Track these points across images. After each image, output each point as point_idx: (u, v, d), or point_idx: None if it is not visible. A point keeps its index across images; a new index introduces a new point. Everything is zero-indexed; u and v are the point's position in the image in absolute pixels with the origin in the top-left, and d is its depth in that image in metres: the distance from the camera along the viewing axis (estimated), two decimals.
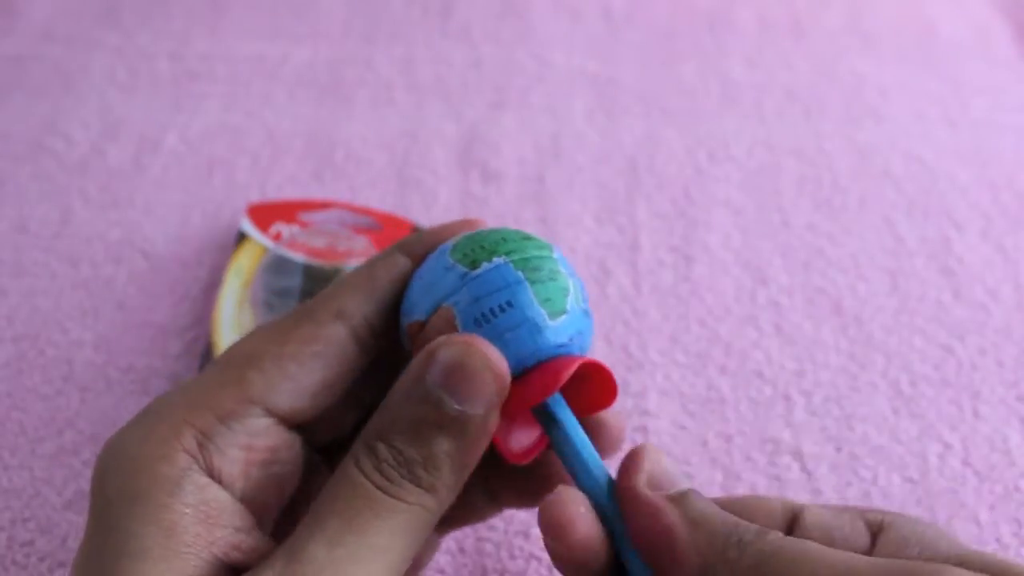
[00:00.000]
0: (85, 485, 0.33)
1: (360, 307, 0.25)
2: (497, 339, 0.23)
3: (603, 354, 0.38)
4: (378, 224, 0.42)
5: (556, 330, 0.23)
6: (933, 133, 0.49)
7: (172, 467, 0.21)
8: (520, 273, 0.23)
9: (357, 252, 0.40)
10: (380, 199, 0.44)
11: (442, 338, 0.22)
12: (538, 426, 0.25)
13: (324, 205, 0.43)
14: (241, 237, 0.41)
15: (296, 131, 0.48)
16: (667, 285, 0.41)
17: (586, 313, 0.25)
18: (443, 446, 0.22)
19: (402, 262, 0.26)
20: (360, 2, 0.57)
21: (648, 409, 0.36)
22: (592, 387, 0.24)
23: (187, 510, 0.21)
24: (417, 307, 0.24)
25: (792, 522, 0.23)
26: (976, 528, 0.32)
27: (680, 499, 0.22)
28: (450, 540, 0.32)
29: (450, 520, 0.28)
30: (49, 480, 0.33)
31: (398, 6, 0.57)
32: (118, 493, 0.21)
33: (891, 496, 0.33)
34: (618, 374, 0.37)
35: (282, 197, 0.44)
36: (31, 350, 0.38)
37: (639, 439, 0.35)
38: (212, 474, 0.22)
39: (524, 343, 0.23)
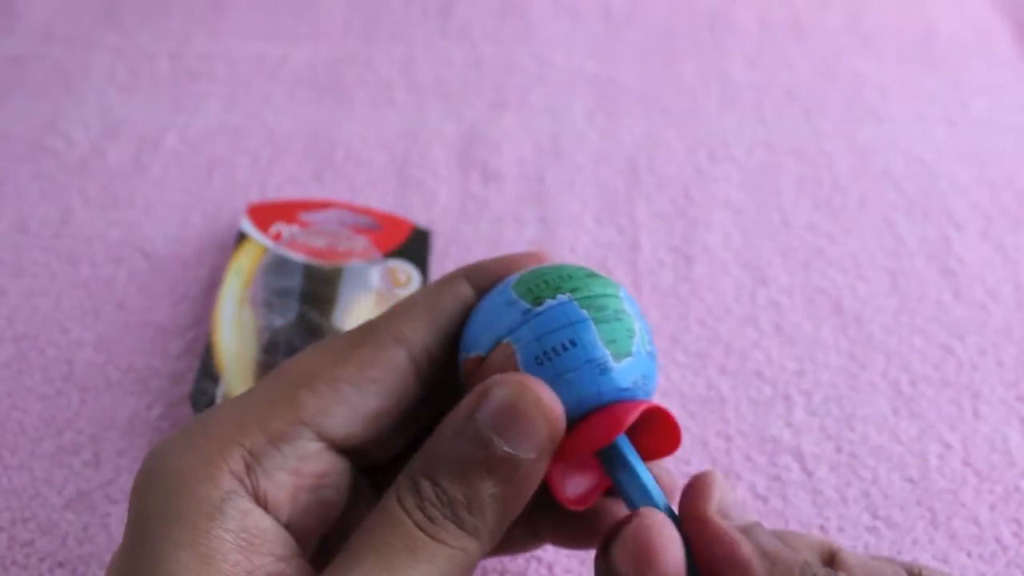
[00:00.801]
0: (85, 485, 0.33)
1: (421, 334, 0.24)
2: (557, 379, 0.22)
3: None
4: (378, 224, 0.42)
5: (620, 373, 0.22)
6: (933, 133, 0.49)
7: (216, 489, 0.21)
8: (585, 312, 0.22)
9: (357, 252, 0.40)
10: (380, 199, 0.44)
11: (497, 376, 0.22)
12: (596, 472, 0.24)
13: (324, 205, 0.43)
14: (241, 237, 0.41)
15: (296, 131, 0.48)
16: (667, 285, 0.41)
17: (651, 356, 0.24)
18: (489, 489, 0.21)
19: (466, 291, 0.25)
20: (360, 2, 0.57)
21: None
22: (654, 433, 0.24)
23: (227, 536, 0.20)
24: (477, 342, 0.23)
25: (830, 561, 0.22)
26: (976, 528, 0.32)
27: (750, 531, 0.22)
28: None
29: (495, 551, 0.27)
30: (49, 480, 0.33)
31: (398, 6, 0.57)
32: (156, 511, 0.21)
33: (891, 496, 0.33)
34: None
35: (282, 197, 0.44)
36: (31, 350, 0.38)
37: None
38: (258, 499, 0.21)
39: (586, 385, 0.22)
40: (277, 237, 0.41)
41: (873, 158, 0.47)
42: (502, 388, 0.21)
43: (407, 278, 0.39)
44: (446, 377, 0.25)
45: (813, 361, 0.38)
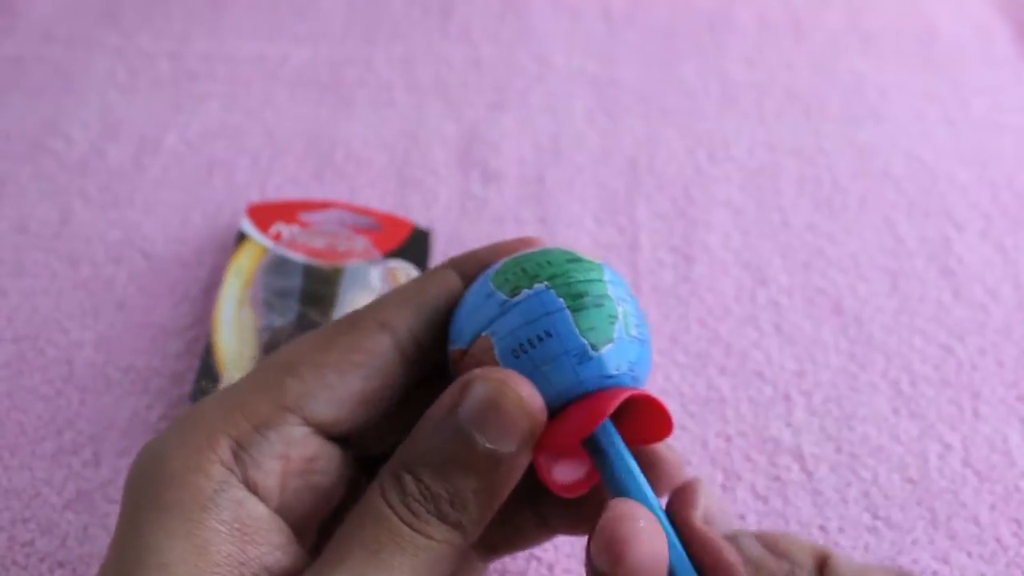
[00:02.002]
0: (85, 485, 0.33)
1: (406, 321, 0.24)
2: (535, 372, 0.22)
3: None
4: (378, 224, 0.42)
5: (602, 360, 0.22)
6: (933, 133, 0.49)
7: (208, 480, 0.21)
8: (561, 301, 0.22)
9: (357, 252, 0.40)
10: (380, 199, 0.44)
11: (477, 371, 0.22)
12: (588, 459, 0.24)
13: (324, 205, 0.43)
14: (241, 237, 0.41)
15: (296, 131, 0.48)
16: (667, 285, 0.41)
17: (639, 341, 0.23)
18: (471, 484, 0.21)
19: (453, 280, 0.25)
20: (360, 2, 0.57)
21: None
22: (644, 421, 0.23)
23: (221, 527, 0.20)
24: (460, 335, 0.23)
25: (822, 566, 0.22)
26: (976, 528, 0.32)
27: (735, 539, 0.22)
28: None
29: (500, 546, 0.27)
30: (49, 480, 0.33)
31: (398, 6, 0.57)
32: (149, 503, 0.21)
33: (891, 496, 0.33)
34: None
35: (282, 197, 0.44)
36: (31, 350, 0.38)
37: None
38: (249, 486, 0.21)
39: (565, 375, 0.22)
40: (277, 237, 0.41)
41: (873, 158, 0.47)
42: (481, 385, 0.21)
43: (407, 278, 0.39)
44: (438, 367, 0.25)
45: (813, 361, 0.38)
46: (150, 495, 0.21)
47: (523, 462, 0.22)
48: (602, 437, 0.22)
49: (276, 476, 0.22)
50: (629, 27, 0.56)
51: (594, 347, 0.22)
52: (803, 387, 0.37)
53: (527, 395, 0.21)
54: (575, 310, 0.22)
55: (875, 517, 0.33)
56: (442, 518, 0.21)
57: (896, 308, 0.40)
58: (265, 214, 0.42)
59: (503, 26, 0.56)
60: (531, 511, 0.26)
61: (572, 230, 0.43)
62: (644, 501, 0.22)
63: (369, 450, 0.25)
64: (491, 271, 0.24)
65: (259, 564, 0.21)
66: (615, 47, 0.54)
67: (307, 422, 0.22)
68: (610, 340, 0.22)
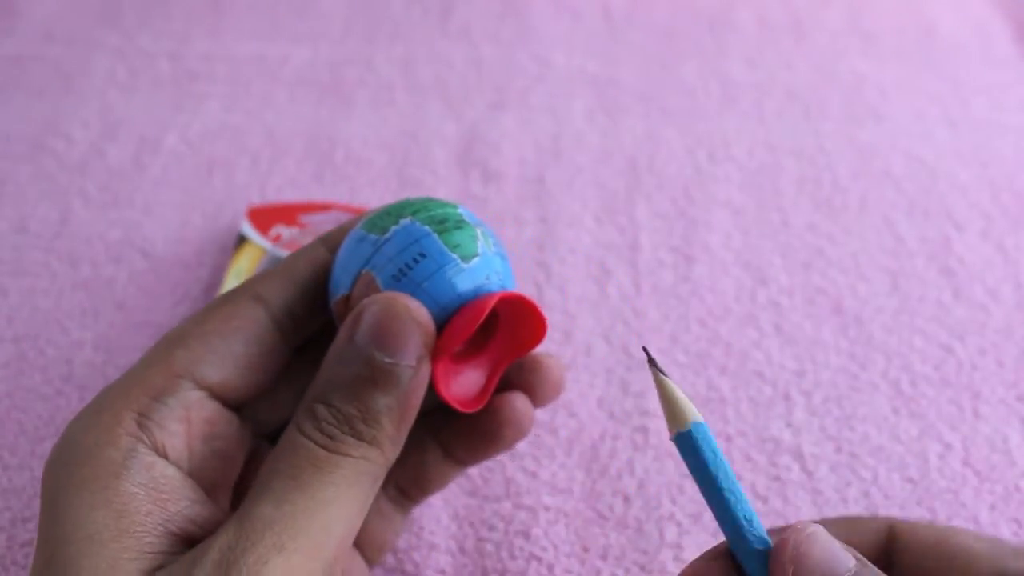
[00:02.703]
0: None
1: (278, 293, 0.25)
2: (416, 290, 0.24)
3: (603, 354, 0.38)
4: None
5: (472, 272, 0.25)
6: (933, 133, 0.49)
7: (117, 450, 0.22)
8: (427, 227, 0.25)
9: None
10: (380, 199, 0.44)
11: (366, 300, 0.23)
12: (483, 372, 0.26)
13: (324, 207, 0.43)
14: (241, 240, 0.41)
15: (296, 131, 0.48)
16: (667, 285, 0.41)
17: (500, 256, 0.26)
18: (380, 400, 0.22)
19: (322, 253, 0.26)
20: (360, 2, 0.57)
21: (648, 409, 0.36)
22: (522, 325, 0.26)
23: (136, 490, 0.21)
24: (340, 284, 0.25)
25: (891, 541, 0.23)
26: (976, 528, 0.32)
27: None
28: (450, 540, 0.32)
29: (411, 490, 0.29)
30: None
31: (398, 6, 0.57)
32: (67, 482, 0.22)
33: (891, 496, 0.33)
34: (618, 374, 0.37)
35: (282, 197, 0.44)
36: (31, 350, 0.38)
37: (639, 439, 0.35)
38: (158, 450, 0.22)
39: (443, 288, 0.24)
40: (277, 239, 0.41)
41: (873, 158, 0.47)
42: (372, 307, 0.23)
43: None
44: (316, 336, 0.26)
45: (813, 361, 0.38)
46: (65, 476, 0.22)
47: (424, 372, 0.23)
48: (698, 435, 0.23)
49: (182, 437, 0.23)
50: (629, 27, 0.56)
51: (464, 259, 0.25)
52: (803, 387, 0.37)
53: (414, 307, 0.23)
54: (440, 232, 0.25)
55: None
56: (357, 436, 0.22)
57: (896, 308, 0.40)
58: (265, 216, 0.42)
59: (503, 26, 0.56)
60: (434, 441, 0.28)
61: (572, 230, 0.43)
62: (739, 503, 0.22)
63: (265, 424, 0.27)
64: (359, 223, 0.26)
65: (182, 517, 0.22)
66: (615, 47, 0.54)
67: (199, 385, 0.24)
68: (476, 254, 0.25)
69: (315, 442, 0.22)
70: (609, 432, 0.35)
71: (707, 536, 0.32)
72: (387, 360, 0.22)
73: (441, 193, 0.45)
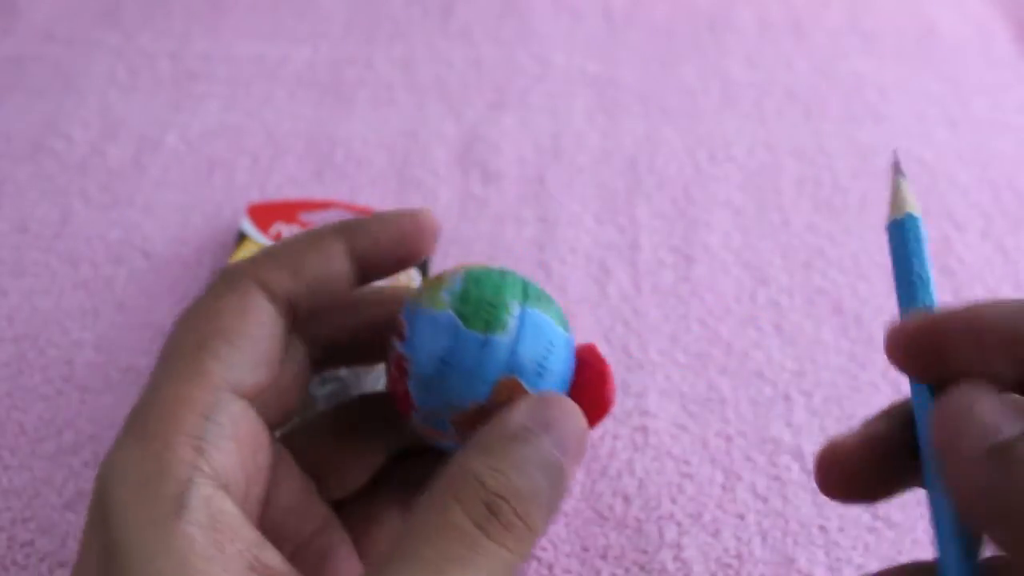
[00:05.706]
0: (85, 485, 0.33)
1: (282, 284, 0.24)
2: (555, 379, 0.25)
3: (603, 354, 0.38)
4: None
5: (571, 337, 0.26)
6: (933, 133, 0.49)
7: (174, 483, 0.20)
8: (536, 311, 0.25)
9: None
10: (380, 199, 0.44)
11: (553, 407, 0.23)
12: None
13: (324, 205, 0.43)
14: (241, 237, 0.41)
15: (296, 131, 0.48)
16: (667, 285, 0.41)
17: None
18: (544, 498, 0.21)
19: (336, 252, 0.25)
20: (360, 2, 0.57)
21: (648, 409, 0.36)
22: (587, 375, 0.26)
23: (195, 530, 0.20)
24: (466, 395, 0.24)
25: None
26: None
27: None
28: None
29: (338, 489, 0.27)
30: (49, 480, 0.33)
31: (398, 6, 0.57)
32: (120, 521, 0.20)
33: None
34: (618, 374, 0.37)
35: (282, 197, 0.44)
36: (31, 350, 0.38)
37: (639, 439, 0.35)
38: (217, 477, 0.21)
39: (570, 365, 0.25)
40: (277, 237, 0.41)
41: (873, 158, 0.47)
42: (569, 421, 0.22)
43: (407, 278, 0.39)
44: (306, 334, 0.26)
45: (813, 361, 0.38)
46: (120, 514, 0.20)
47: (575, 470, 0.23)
48: (908, 224, 0.24)
49: (234, 456, 0.22)
50: (629, 27, 0.56)
51: (566, 328, 0.26)
52: (803, 387, 0.37)
53: (581, 415, 0.23)
54: (545, 312, 0.25)
55: (875, 517, 0.33)
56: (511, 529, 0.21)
57: (896, 308, 0.40)
58: (265, 214, 0.42)
59: (503, 26, 0.56)
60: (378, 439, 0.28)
61: (572, 230, 0.43)
62: (924, 288, 0.24)
63: (272, 417, 0.25)
64: (454, 320, 0.24)
65: (240, 560, 0.20)
66: (615, 47, 0.54)
67: (238, 394, 0.23)
68: (566, 324, 0.26)
69: (473, 521, 0.20)
70: (609, 432, 0.35)
71: (707, 536, 0.32)
72: (573, 468, 0.22)
73: (441, 193, 0.45)
